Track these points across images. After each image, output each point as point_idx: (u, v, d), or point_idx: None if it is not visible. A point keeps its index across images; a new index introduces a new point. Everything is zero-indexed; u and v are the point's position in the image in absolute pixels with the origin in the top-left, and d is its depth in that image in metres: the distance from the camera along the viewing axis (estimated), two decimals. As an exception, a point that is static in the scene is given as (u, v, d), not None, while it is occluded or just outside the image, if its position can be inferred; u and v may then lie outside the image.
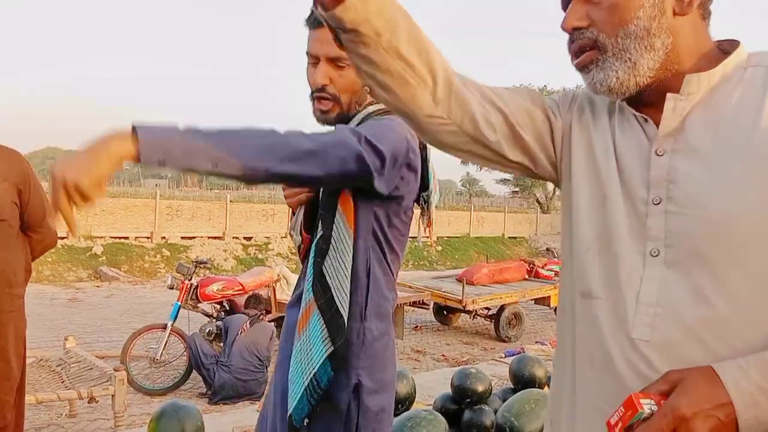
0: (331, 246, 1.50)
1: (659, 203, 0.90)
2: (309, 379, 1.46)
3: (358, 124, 1.51)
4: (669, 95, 0.92)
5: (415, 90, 0.93)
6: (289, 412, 1.49)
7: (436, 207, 1.70)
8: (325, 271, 1.49)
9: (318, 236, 1.53)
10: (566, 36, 0.98)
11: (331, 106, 1.52)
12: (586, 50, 0.95)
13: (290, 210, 1.71)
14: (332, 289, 1.47)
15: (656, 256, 0.90)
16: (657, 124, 0.94)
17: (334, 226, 1.50)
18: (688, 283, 0.87)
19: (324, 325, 1.47)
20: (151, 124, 1.11)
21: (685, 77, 0.92)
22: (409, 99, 0.94)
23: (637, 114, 0.97)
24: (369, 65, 0.91)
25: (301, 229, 1.61)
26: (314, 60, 1.52)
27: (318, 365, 1.46)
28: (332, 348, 1.45)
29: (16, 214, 2.44)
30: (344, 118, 1.55)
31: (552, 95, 1.11)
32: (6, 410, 2.46)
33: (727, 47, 0.96)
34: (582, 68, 0.96)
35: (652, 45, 0.91)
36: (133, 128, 1.08)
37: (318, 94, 1.51)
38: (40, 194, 2.55)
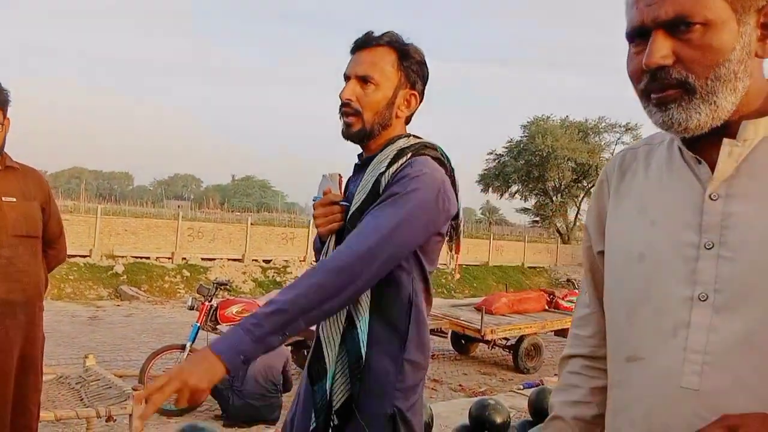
0: None
1: (711, 248, 0.89)
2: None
3: (389, 164, 1.56)
4: (725, 140, 0.90)
5: None
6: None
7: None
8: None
9: None
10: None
11: (354, 121, 1.62)
12: (670, 89, 0.90)
13: (315, 235, 1.74)
14: (356, 323, 1.52)
15: (704, 300, 0.88)
16: (711, 165, 0.92)
17: None
18: (738, 330, 0.85)
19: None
20: (226, 341, 1.32)
21: (742, 124, 0.90)
22: None
23: (691, 155, 0.95)
24: None
25: None
26: (347, 79, 1.64)
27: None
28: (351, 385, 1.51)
29: (41, 231, 2.52)
30: (365, 135, 1.62)
31: (591, 205, 1.16)
32: (32, 421, 2.52)
33: None
34: (661, 104, 0.91)
35: (736, 88, 0.89)
36: (219, 357, 1.30)
37: (344, 108, 1.62)
38: (57, 211, 2.65)
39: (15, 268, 2.39)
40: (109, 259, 16.33)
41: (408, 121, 1.71)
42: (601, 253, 1.09)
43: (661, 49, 0.88)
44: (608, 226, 1.06)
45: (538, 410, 3.41)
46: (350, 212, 1.59)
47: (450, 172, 1.62)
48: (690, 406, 0.86)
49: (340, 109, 1.64)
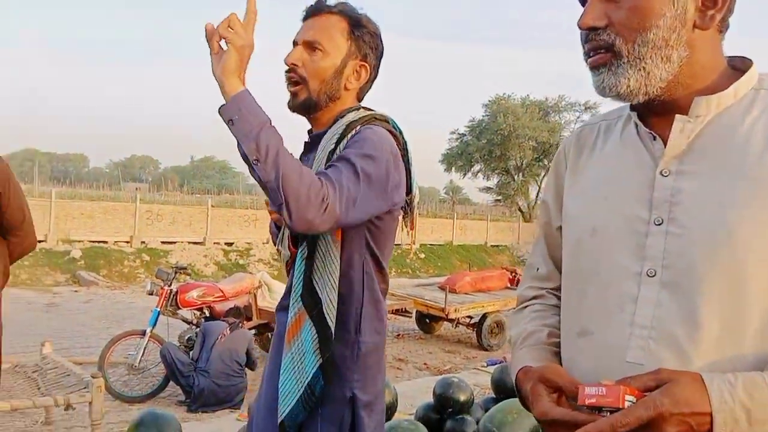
0: (317, 258, 1.50)
1: (661, 224, 0.89)
2: (303, 388, 1.47)
3: (338, 141, 1.51)
4: (677, 117, 0.90)
5: None
6: (281, 418, 1.49)
7: (419, 214, 1.73)
8: (314, 283, 1.49)
9: (304, 249, 1.52)
10: (579, 32, 0.95)
11: (299, 90, 1.56)
12: (600, 51, 0.93)
13: (270, 220, 1.70)
14: (323, 302, 1.48)
15: (653, 276, 0.88)
16: (664, 141, 0.92)
17: (320, 239, 1.49)
18: (683, 304, 0.86)
19: (316, 336, 1.48)
20: (255, 101, 1.32)
21: (694, 100, 0.90)
22: None
23: (646, 131, 0.95)
24: None
25: (288, 244, 1.61)
26: (294, 45, 1.58)
27: (311, 374, 1.46)
28: (321, 359, 1.46)
29: None
30: (311, 105, 1.56)
31: (549, 176, 1.15)
32: None
33: (738, 64, 0.95)
34: (594, 68, 0.94)
35: (669, 56, 0.89)
36: (243, 90, 1.31)
37: (288, 74, 1.56)
38: (19, 197, 2.51)
39: None
40: (65, 244, 15.92)
41: (361, 97, 1.66)
42: (560, 228, 1.08)
43: (594, 10, 0.91)
44: (565, 202, 1.06)
45: (501, 387, 3.46)
46: None
47: (402, 145, 1.57)
48: None
49: (285, 76, 1.57)
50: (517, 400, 3.34)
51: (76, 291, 13.46)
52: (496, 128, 34.60)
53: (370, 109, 1.62)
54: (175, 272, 6.30)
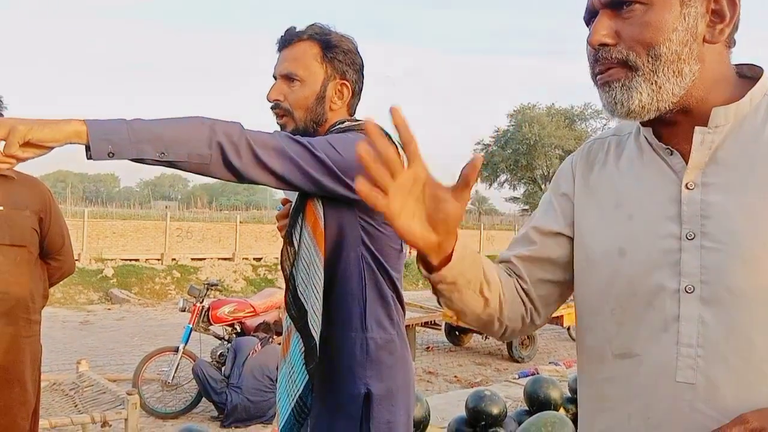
0: (301, 270, 1.53)
1: (693, 238, 0.87)
2: (295, 400, 1.50)
3: None
4: (697, 128, 0.89)
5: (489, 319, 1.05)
6: (278, 430, 1.52)
7: None
8: (300, 295, 1.52)
9: (292, 264, 1.56)
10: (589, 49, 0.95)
11: (286, 121, 1.60)
12: (613, 67, 0.92)
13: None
14: (308, 313, 1.50)
15: (691, 292, 0.87)
16: (683, 155, 0.91)
17: (303, 250, 1.53)
18: (727, 321, 0.84)
19: (303, 348, 1.51)
20: (100, 119, 1.17)
21: (713, 110, 0.89)
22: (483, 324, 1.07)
23: (661, 145, 0.94)
24: (459, 304, 1.00)
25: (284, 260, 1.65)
26: (275, 79, 1.62)
27: (302, 387, 1.50)
28: (307, 371, 1.50)
29: (36, 241, 2.48)
30: (300, 134, 1.57)
31: (553, 186, 1.13)
32: None
33: (746, 72, 0.94)
34: (605, 84, 0.93)
35: (681, 71, 0.89)
36: (84, 121, 1.14)
37: (274, 110, 1.61)
38: (60, 223, 2.59)
39: None
40: (98, 263, 16.21)
41: (352, 111, 1.68)
42: (558, 234, 1.07)
43: (604, 27, 0.91)
44: (579, 221, 1.04)
45: (534, 399, 3.43)
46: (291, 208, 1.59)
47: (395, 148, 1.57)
48: (687, 400, 0.85)
49: (272, 112, 1.61)
50: (550, 413, 3.31)
51: (109, 309, 13.68)
52: (521, 138, 34.44)
53: (357, 120, 1.63)
54: (207, 289, 6.38)
